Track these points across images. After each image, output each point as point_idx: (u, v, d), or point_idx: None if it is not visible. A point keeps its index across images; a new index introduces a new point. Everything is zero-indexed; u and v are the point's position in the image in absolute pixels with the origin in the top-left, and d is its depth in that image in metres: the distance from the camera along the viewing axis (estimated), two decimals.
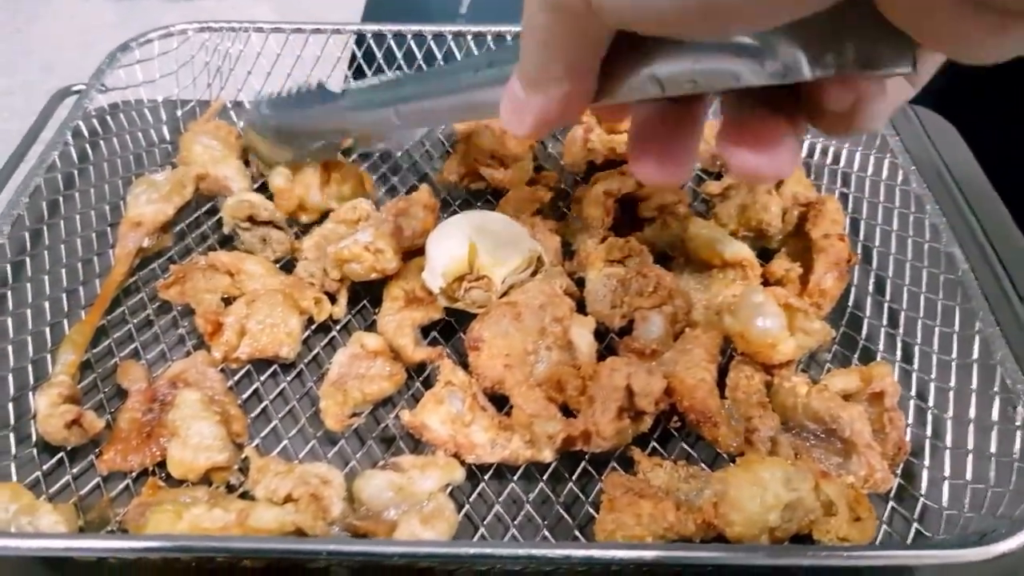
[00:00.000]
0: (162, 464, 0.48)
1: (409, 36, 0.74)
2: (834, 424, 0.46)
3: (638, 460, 0.47)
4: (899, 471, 0.48)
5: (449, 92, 0.42)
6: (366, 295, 0.58)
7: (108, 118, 0.69)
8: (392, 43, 0.74)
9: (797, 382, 0.48)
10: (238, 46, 0.74)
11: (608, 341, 0.55)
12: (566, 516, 0.46)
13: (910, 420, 0.50)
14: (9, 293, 0.56)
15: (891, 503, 0.47)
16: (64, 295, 0.57)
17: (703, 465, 0.48)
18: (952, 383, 0.50)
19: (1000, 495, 0.44)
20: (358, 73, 0.76)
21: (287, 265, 0.60)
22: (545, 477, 0.48)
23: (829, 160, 0.69)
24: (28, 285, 0.57)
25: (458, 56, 0.74)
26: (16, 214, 0.58)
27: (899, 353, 0.54)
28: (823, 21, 0.24)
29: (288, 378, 0.54)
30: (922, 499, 0.47)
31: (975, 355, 0.50)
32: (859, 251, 0.61)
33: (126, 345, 0.55)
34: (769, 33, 0.26)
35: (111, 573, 0.44)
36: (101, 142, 0.68)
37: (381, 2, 0.97)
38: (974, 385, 0.50)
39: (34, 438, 0.49)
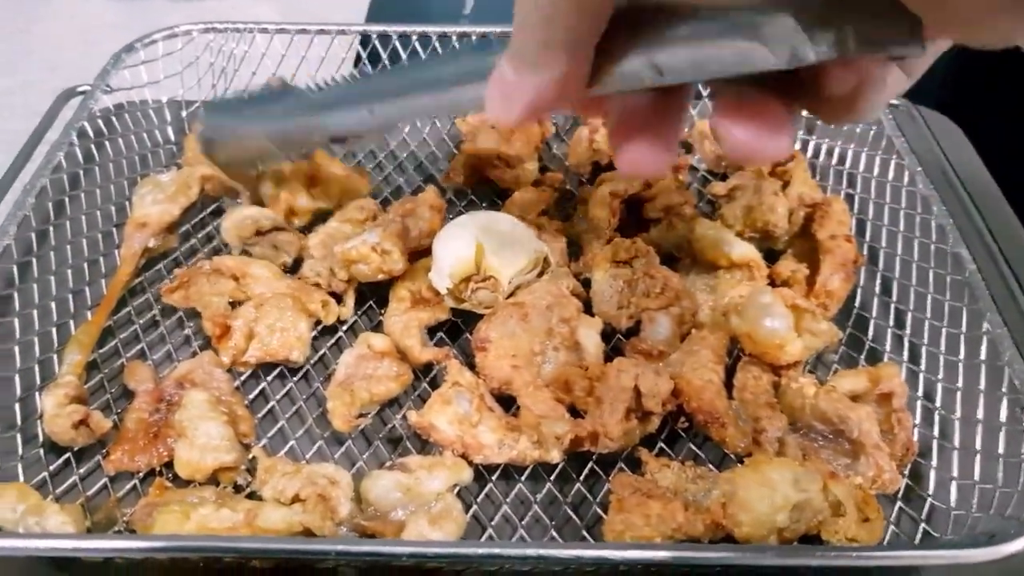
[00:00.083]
0: (169, 464, 0.48)
1: (414, 37, 0.74)
2: (842, 425, 0.46)
3: (646, 461, 0.47)
4: (907, 472, 0.48)
5: (428, 87, 0.39)
6: (372, 296, 0.58)
7: (113, 119, 0.69)
8: (397, 44, 0.74)
9: (805, 383, 0.48)
10: (243, 47, 0.74)
11: (615, 342, 0.55)
12: (574, 516, 0.46)
13: (917, 421, 0.50)
14: (16, 294, 0.56)
15: (899, 503, 0.47)
16: (70, 296, 0.57)
17: (711, 466, 0.48)
18: (959, 384, 0.51)
19: (1008, 496, 0.44)
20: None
21: (292, 264, 0.60)
22: (552, 478, 0.48)
23: (835, 161, 0.69)
24: (34, 286, 0.57)
25: None
26: (22, 215, 0.58)
27: (906, 354, 0.54)
28: (832, 1, 0.23)
29: (295, 379, 0.54)
30: (930, 499, 0.47)
31: (983, 356, 0.50)
32: (865, 252, 0.61)
33: (132, 345, 0.55)
34: (776, 12, 0.25)
35: (118, 573, 0.44)
36: (106, 143, 0.68)
37: (385, 3, 0.97)
38: (982, 386, 0.49)
39: (41, 438, 0.49)
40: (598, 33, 0.28)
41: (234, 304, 0.56)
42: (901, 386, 0.48)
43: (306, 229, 0.62)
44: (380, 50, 0.74)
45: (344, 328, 0.57)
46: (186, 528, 0.42)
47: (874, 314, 0.57)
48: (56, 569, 0.45)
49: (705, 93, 0.69)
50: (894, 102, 0.71)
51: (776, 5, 0.25)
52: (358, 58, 0.77)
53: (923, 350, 0.54)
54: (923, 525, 0.46)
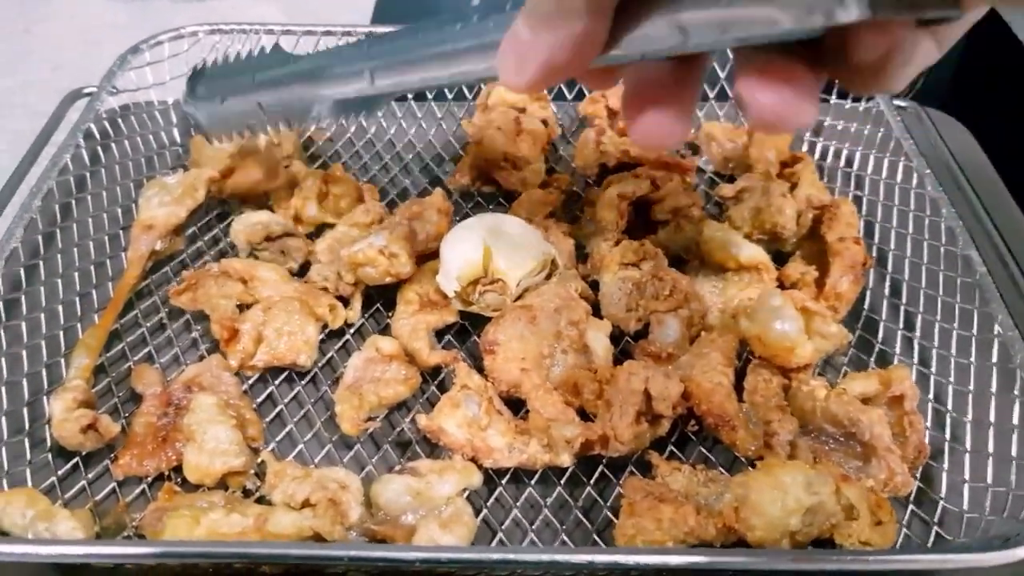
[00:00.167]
0: (178, 469, 0.47)
1: None
2: (853, 428, 0.46)
3: (656, 464, 0.47)
4: (918, 475, 0.47)
5: (436, 56, 0.37)
6: (379, 299, 0.58)
7: (119, 120, 0.69)
8: None
9: (815, 385, 0.48)
10: (248, 48, 0.73)
11: (623, 345, 0.55)
12: (584, 520, 0.46)
13: (928, 423, 0.50)
14: (23, 297, 0.56)
15: (911, 506, 0.46)
16: (77, 299, 0.57)
17: (721, 469, 0.48)
18: (971, 386, 0.50)
19: (1021, 499, 0.44)
20: None
21: (300, 269, 0.60)
22: (563, 481, 0.48)
23: (843, 163, 0.69)
24: (41, 289, 0.57)
25: None
26: (29, 217, 0.58)
27: (916, 356, 0.54)
28: None
29: (303, 382, 0.54)
30: (942, 503, 0.46)
31: (994, 359, 0.50)
32: (874, 254, 0.61)
33: (140, 349, 0.55)
34: None
35: None
36: (112, 144, 0.68)
37: (391, 3, 0.97)
38: (994, 388, 0.49)
39: (49, 443, 0.49)
40: None
41: (241, 307, 0.56)
42: (912, 388, 0.48)
43: (312, 235, 0.62)
44: None
45: (352, 331, 0.57)
46: (196, 533, 0.42)
47: (884, 317, 0.57)
48: (66, 574, 0.45)
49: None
50: (901, 104, 0.71)
51: None
52: None
53: (933, 352, 0.54)
54: (935, 528, 0.45)
